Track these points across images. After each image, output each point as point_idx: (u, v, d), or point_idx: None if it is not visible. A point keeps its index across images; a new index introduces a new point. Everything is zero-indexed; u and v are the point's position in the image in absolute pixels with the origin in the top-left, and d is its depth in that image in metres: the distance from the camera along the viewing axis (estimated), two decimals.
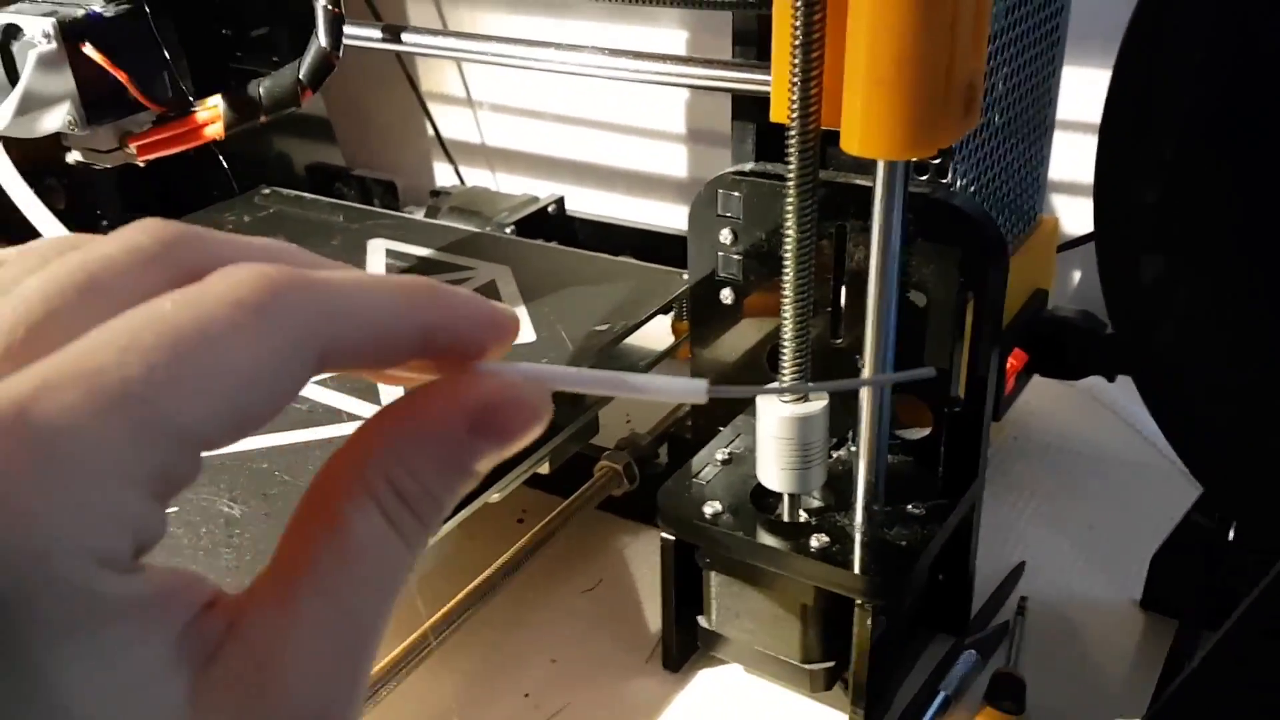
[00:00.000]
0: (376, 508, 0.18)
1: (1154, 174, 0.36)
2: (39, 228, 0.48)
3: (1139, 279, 0.41)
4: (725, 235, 0.52)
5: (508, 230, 0.78)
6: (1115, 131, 0.36)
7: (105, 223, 0.77)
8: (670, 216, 0.90)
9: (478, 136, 1.00)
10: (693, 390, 0.21)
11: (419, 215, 0.83)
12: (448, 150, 1.00)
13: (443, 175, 1.03)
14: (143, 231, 0.18)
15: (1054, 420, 0.68)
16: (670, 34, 0.85)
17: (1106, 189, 0.38)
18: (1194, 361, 0.41)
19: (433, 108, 0.99)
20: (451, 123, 1.00)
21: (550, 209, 0.84)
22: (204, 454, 0.17)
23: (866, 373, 0.45)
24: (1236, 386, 0.40)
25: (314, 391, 0.54)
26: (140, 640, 0.16)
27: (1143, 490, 0.62)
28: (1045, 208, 0.66)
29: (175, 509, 0.45)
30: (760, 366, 0.55)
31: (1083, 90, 0.63)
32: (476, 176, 1.02)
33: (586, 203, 0.93)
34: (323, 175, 0.90)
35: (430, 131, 1.00)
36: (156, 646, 0.16)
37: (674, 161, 0.92)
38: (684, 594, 0.52)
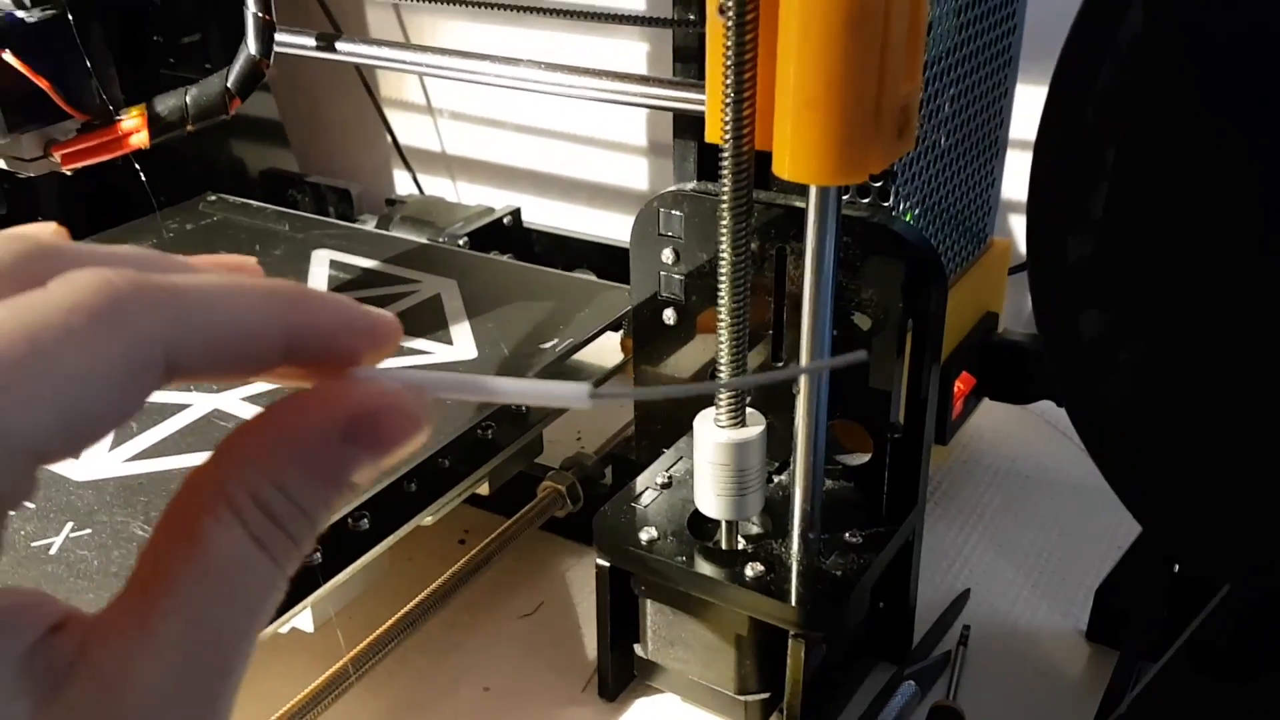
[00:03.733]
0: (240, 525, 0.17)
1: (1086, 230, 0.35)
2: None
3: (1078, 335, 0.40)
4: (667, 255, 0.51)
5: (461, 242, 0.77)
6: (1044, 188, 0.36)
7: None
8: (629, 229, 0.89)
9: (438, 145, 0.98)
10: (576, 395, 0.20)
11: (372, 224, 0.81)
12: (405, 158, 0.99)
13: (402, 183, 1.02)
14: (4, 242, 0.18)
15: (1004, 444, 0.67)
16: (631, 44, 0.84)
17: (1039, 244, 0.37)
18: (1137, 414, 0.41)
19: (391, 115, 0.98)
20: (410, 130, 0.98)
21: (506, 220, 0.83)
22: (41, 467, 0.16)
23: (801, 404, 0.44)
24: (1181, 437, 0.39)
25: (236, 407, 0.52)
26: None
27: (1092, 515, 0.61)
28: (998, 229, 0.65)
29: (88, 531, 0.44)
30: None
31: (1037, 110, 0.63)
32: (436, 185, 1.00)
33: (546, 214, 0.92)
34: (277, 181, 0.88)
35: (389, 139, 0.99)
36: None
37: (634, 174, 0.91)
38: (620, 621, 0.51)
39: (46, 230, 0.20)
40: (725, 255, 0.42)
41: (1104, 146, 0.33)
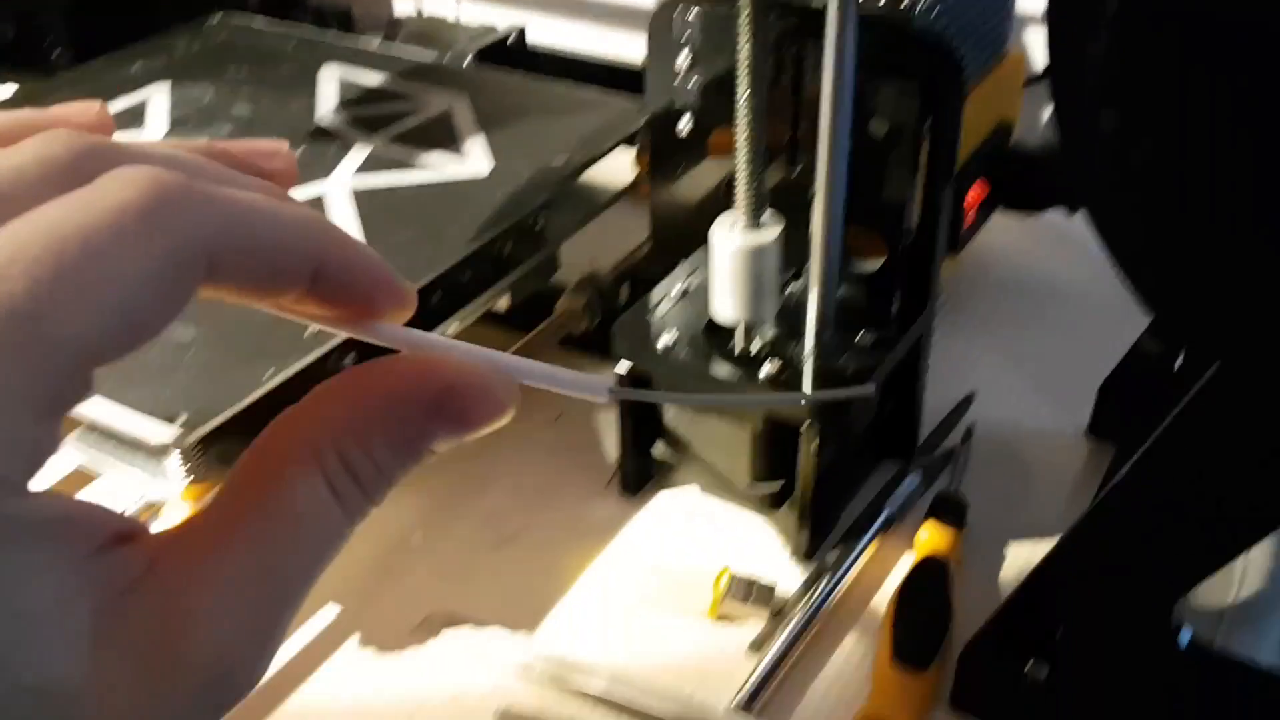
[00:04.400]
0: (321, 478, 0.18)
1: (1102, 25, 0.35)
2: None
3: (1096, 132, 0.40)
4: (682, 60, 0.51)
5: (465, 62, 0.76)
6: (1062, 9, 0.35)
7: (55, 53, 0.75)
8: (637, 48, 0.87)
9: None
10: (595, 388, 0.21)
11: (375, 43, 0.80)
12: None
13: (401, 4, 0.99)
14: (55, 142, 0.18)
15: (1014, 255, 0.68)
16: None
17: (1057, 40, 0.37)
18: (1151, 210, 0.41)
19: None
20: None
21: (510, 40, 0.82)
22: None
23: (819, 205, 0.45)
24: (1191, 230, 0.40)
25: None
26: (38, 564, 0.15)
27: (1097, 323, 0.63)
28: (1015, 41, 0.65)
29: None
30: (720, 201, 0.54)
31: None
32: (436, 5, 0.98)
33: (552, 33, 0.90)
34: (277, 4, 0.86)
35: None
36: (57, 572, 0.16)
37: None
38: (640, 423, 0.53)
39: (90, 111, 0.21)
40: (744, 51, 0.42)
41: None
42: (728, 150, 0.53)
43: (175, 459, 0.41)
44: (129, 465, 0.43)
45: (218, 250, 0.17)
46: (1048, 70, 0.39)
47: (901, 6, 0.50)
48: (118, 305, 0.16)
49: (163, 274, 0.16)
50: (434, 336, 0.21)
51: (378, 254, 0.20)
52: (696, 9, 0.49)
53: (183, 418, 0.41)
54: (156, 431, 0.40)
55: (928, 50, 0.45)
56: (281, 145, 0.21)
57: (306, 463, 0.18)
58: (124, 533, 0.17)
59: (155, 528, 0.45)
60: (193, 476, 0.42)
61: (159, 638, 0.16)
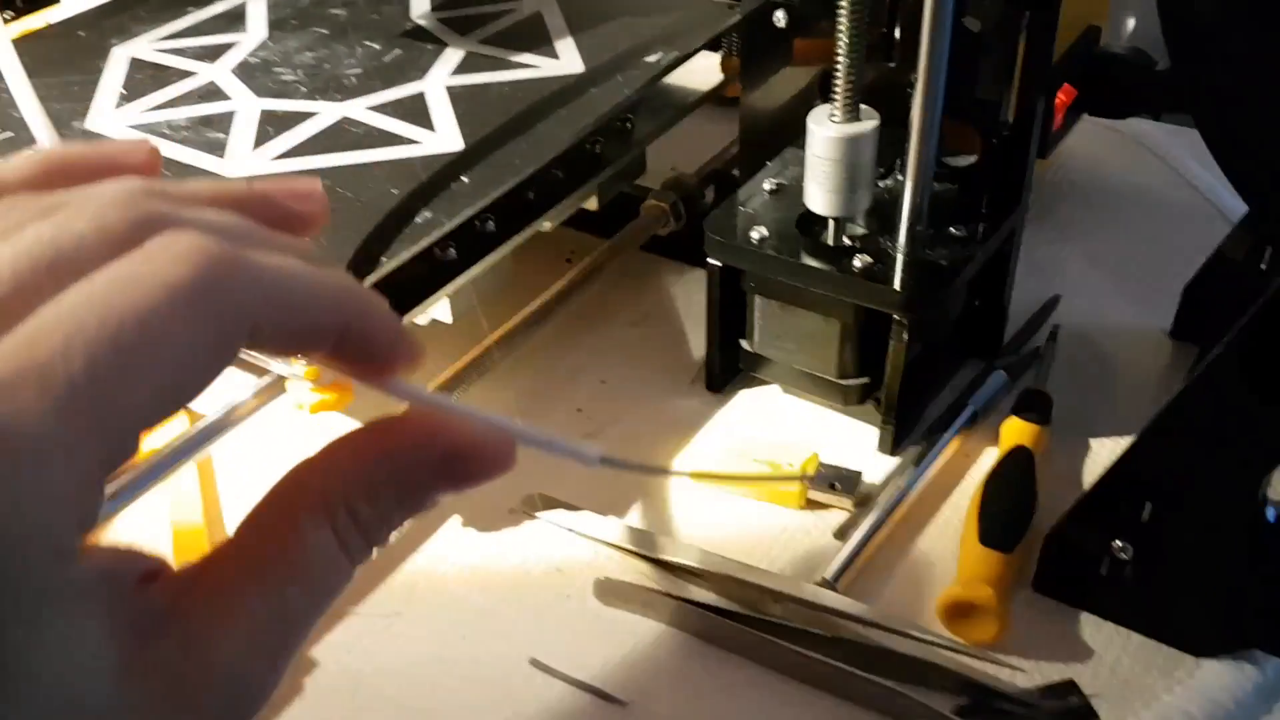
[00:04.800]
0: (331, 531, 0.20)
1: None
2: (31, 127, 0.47)
3: (1194, 19, 0.40)
4: None
5: None
6: None
7: None
8: None
9: None
10: (585, 456, 0.22)
11: None
12: None
13: None
14: (113, 209, 0.19)
15: (1099, 162, 0.68)
16: None
17: None
18: (1251, 94, 0.41)
19: None
20: None
21: None
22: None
23: (918, 98, 0.45)
24: None
25: (364, 115, 0.55)
26: (81, 625, 0.17)
27: (1181, 230, 0.63)
28: None
29: None
30: (808, 102, 0.55)
31: None
32: None
33: None
34: None
35: None
36: (96, 625, 0.17)
37: None
38: (727, 319, 0.55)
39: (141, 152, 0.22)
40: None
41: None
42: (817, 55, 0.54)
43: None
44: None
45: (259, 321, 0.18)
46: None
47: None
48: (168, 380, 0.17)
49: (210, 349, 0.18)
50: (439, 397, 0.23)
51: (394, 314, 0.22)
52: None
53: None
54: None
55: None
56: (315, 186, 0.23)
57: (318, 515, 0.20)
58: (151, 572, 0.19)
59: (281, 404, 0.47)
60: None
61: (180, 670, 0.18)
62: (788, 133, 0.56)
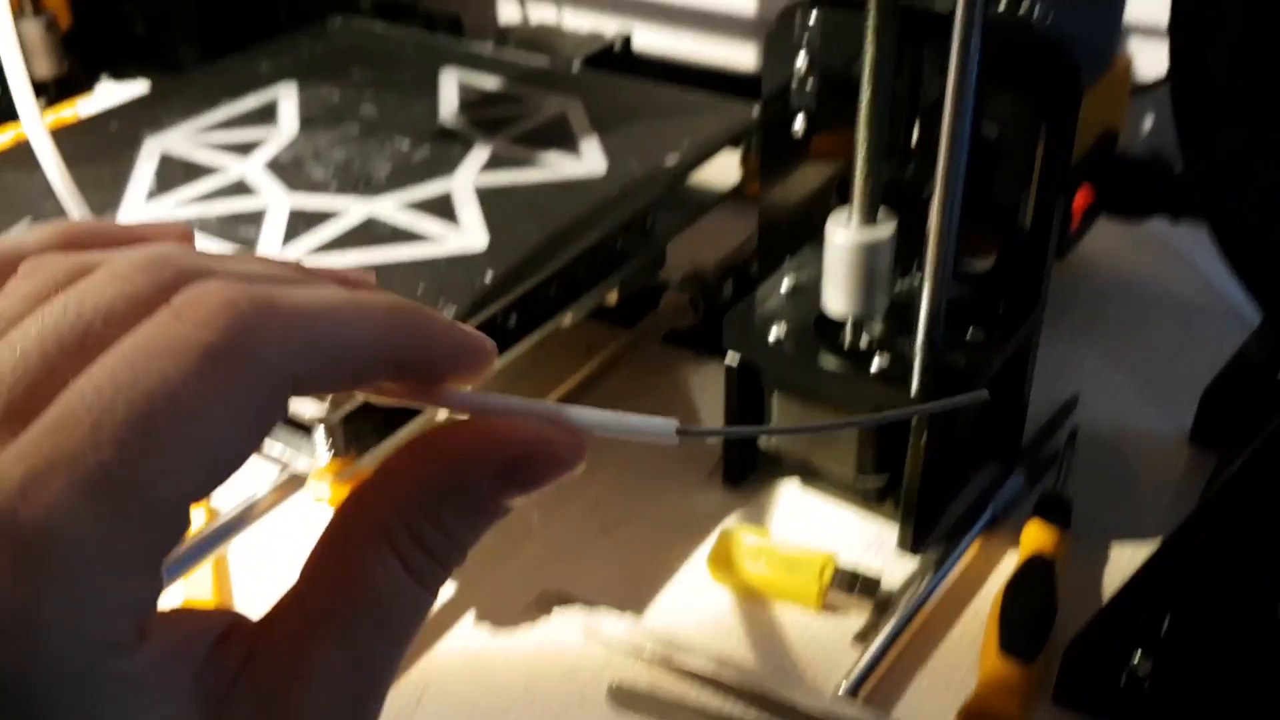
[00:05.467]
0: (397, 559, 0.18)
1: (1222, 43, 0.36)
2: (61, 198, 0.49)
3: (1216, 149, 0.41)
4: (800, 62, 0.52)
5: (574, 68, 0.79)
6: (1184, 6, 0.36)
7: (182, 47, 0.79)
8: (738, 55, 0.89)
9: None
10: (662, 431, 0.21)
11: (488, 48, 0.83)
12: None
13: (507, 10, 1.02)
14: (138, 274, 0.18)
15: (1118, 261, 0.69)
16: None
17: (1180, 58, 0.38)
18: (1270, 224, 0.42)
19: None
20: None
21: (616, 47, 0.84)
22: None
23: (936, 203, 0.46)
24: None
25: (392, 215, 0.56)
26: (153, 703, 0.16)
27: (1200, 330, 0.63)
28: (1121, 48, 0.65)
29: None
30: (826, 201, 0.56)
31: None
32: (541, 11, 1.01)
33: (653, 41, 0.92)
34: (389, 9, 0.90)
35: None
36: (163, 706, 0.16)
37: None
38: (745, 415, 0.55)
39: (174, 234, 0.21)
40: (869, 54, 0.44)
41: None
42: (836, 153, 0.55)
43: (320, 434, 0.44)
44: (273, 438, 0.45)
45: (301, 370, 0.17)
46: (1169, 84, 0.40)
47: (1020, 12, 0.51)
48: (209, 456, 0.16)
49: (250, 411, 0.17)
50: (501, 398, 0.21)
51: (456, 325, 0.20)
52: (815, 13, 0.50)
53: (329, 395, 0.43)
54: (305, 407, 0.43)
55: (1047, 55, 0.45)
56: (369, 276, 0.22)
57: (380, 543, 0.18)
58: (224, 632, 0.18)
59: (297, 500, 0.47)
60: (334, 451, 0.44)
61: None
62: (806, 230, 0.57)
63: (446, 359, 0.20)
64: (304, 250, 0.53)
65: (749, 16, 0.90)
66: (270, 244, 0.53)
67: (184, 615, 0.18)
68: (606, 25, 0.95)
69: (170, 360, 0.16)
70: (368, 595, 0.18)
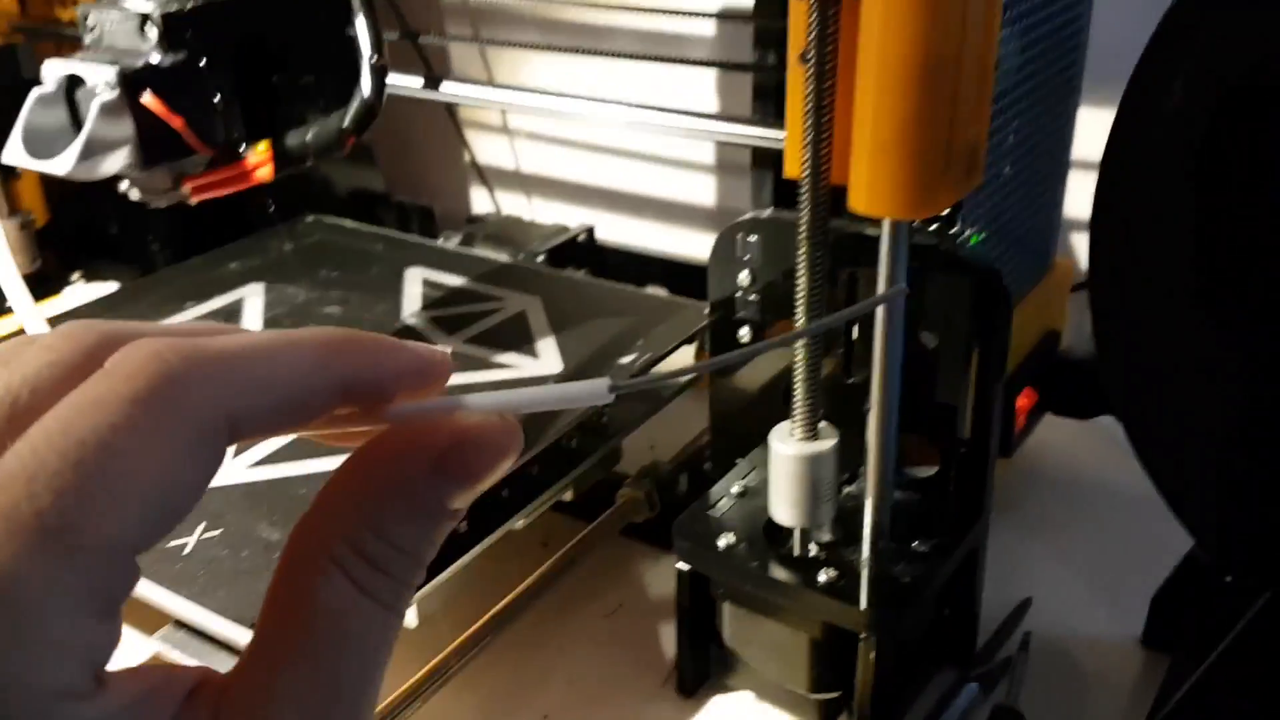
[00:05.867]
0: (344, 578, 0.18)
1: (1145, 263, 0.38)
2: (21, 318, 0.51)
3: (1138, 362, 0.43)
4: (743, 277, 0.54)
5: (539, 259, 0.81)
6: (1104, 223, 0.38)
7: (155, 246, 0.81)
8: (699, 246, 0.92)
9: (513, 163, 1.03)
10: (596, 392, 0.20)
11: (455, 242, 0.86)
12: (484, 176, 1.03)
13: (479, 200, 1.06)
14: (62, 341, 0.18)
15: (1066, 457, 0.70)
16: (707, 72, 0.88)
17: (1100, 277, 0.40)
18: (1191, 438, 0.43)
19: (470, 135, 1.02)
20: (488, 149, 1.03)
21: (580, 238, 0.87)
22: (138, 556, 0.17)
23: (873, 418, 0.47)
24: (1231, 461, 0.42)
25: None
26: None
27: (1151, 527, 0.63)
28: (1062, 249, 0.68)
29: (219, 531, 0.48)
30: (776, 400, 0.57)
31: (1102, 133, 0.65)
32: (512, 201, 1.05)
33: (619, 230, 0.96)
34: (364, 200, 0.93)
35: (467, 158, 1.03)
36: None
37: (704, 192, 0.94)
38: (698, 621, 0.54)
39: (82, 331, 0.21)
40: (803, 281, 0.45)
41: (1160, 187, 0.36)
42: (784, 349, 0.56)
43: None
44: (214, 664, 0.45)
45: (236, 411, 0.17)
46: (1090, 306, 0.41)
47: (952, 231, 0.53)
48: (147, 498, 0.16)
49: (185, 455, 0.17)
50: (437, 400, 0.20)
51: (400, 343, 0.20)
52: (755, 235, 0.53)
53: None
54: (243, 634, 0.43)
55: (976, 279, 0.47)
56: (439, 359, 0.21)
57: (325, 566, 0.18)
58: (192, 687, 0.18)
59: None
60: None
61: None
62: (757, 429, 0.58)
63: (397, 376, 0.20)
64: (254, 460, 0.53)
65: (709, 208, 0.94)
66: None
67: (150, 670, 0.18)
68: (574, 215, 0.99)
69: (100, 412, 0.16)
70: (323, 619, 0.18)
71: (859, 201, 0.41)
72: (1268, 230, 0.37)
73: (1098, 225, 0.40)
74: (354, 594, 0.18)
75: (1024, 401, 0.61)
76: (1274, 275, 0.38)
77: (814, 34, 0.40)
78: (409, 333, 0.65)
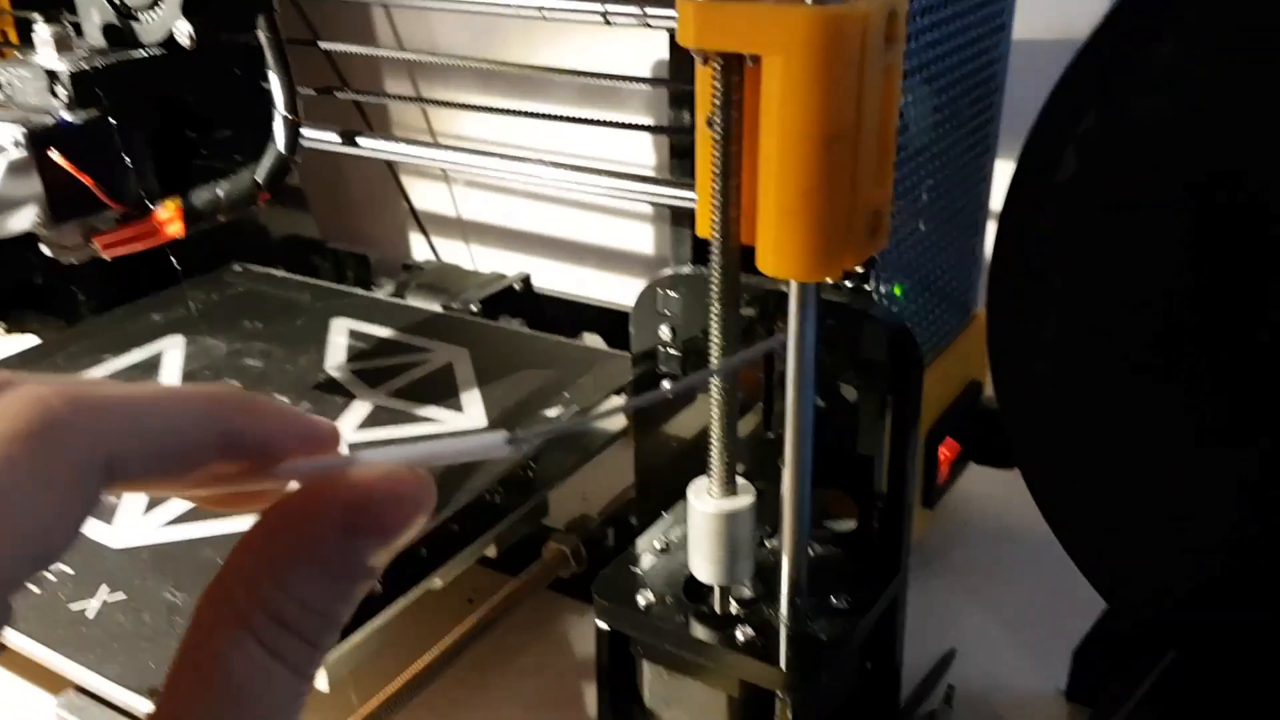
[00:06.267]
0: (255, 642, 0.17)
1: (1042, 352, 0.39)
2: None
3: (1047, 445, 0.43)
4: (664, 332, 0.55)
5: (474, 308, 0.81)
6: (1000, 318, 0.39)
7: (81, 298, 0.80)
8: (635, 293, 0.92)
9: (452, 210, 1.03)
10: (494, 444, 0.20)
11: (389, 289, 0.85)
12: (422, 224, 1.03)
13: (418, 246, 1.06)
14: None
15: (990, 507, 0.70)
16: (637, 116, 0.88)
17: (1002, 368, 0.40)
18: (1097, 514, 0.44)
19: (408, 183, 1.02)
20: (426, 197, 1.03)
21: (517, 286, 0.87)
22: (11, 596, 0.16)
23: (787, 474, 0.47)
24: (1136, 535, 0.42)
25: None
26: None
27: (1074, 577, 0.63)
28: (982, 302, 0.68)
29: (122, 595, 0.47)
30: (701, 454, 0.57)
31: None
32: (451, 249, 1.04)
33: (556, 277, 0.95)
34: (298, 247, 0.92)
35: (405, 205, 1.03)
36: None
37: (641, 240, 0.94)
38: (619, 681, 0.54)
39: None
40: (716, 336, 0.46)
41: (1051, 279, 0.37)
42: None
43: None
44: None
45: (114, 452, 0.17)
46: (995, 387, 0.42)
47: (867, 286, 0.53)
48: (21, 536, 0.16)
49: (60, 494, 0.17)
50: (330, 457, 0.20)
51: (289, 409, 0.20)
52: (674, 292, 0.53)
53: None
54: (143, 704, 0.41)
55: (885, 337, 0.48)
56: (324, 428, 0.21)
57: (234, 629, 0.17)
58: None
59: None
60: None
61: None
62: (684, 480, 0.57)
63: (281, 436, 0.19)
64: (165, 520, 0.52)
65: (646, 254, 0.94)
66: (133, 511, 0.53)
67: None
68: (513, 262, 0.99)
69: None
70: (228, 686, 0.17)
71: (766, 264, 0.41)
72: (1154, 302, 0.38)
73: (995, 280, 0.41)
74: (263, 658, 0.17)
75: (946, 452, 0.62)
76: (1174, 321, 0.39)
77: (719, 100, 0.40)
78: (331, 385, 0.65)
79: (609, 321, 0.83)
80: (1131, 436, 0.40)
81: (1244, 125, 0.34)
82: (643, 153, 0.86)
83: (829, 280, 0.49)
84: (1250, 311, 0.35)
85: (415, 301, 0.80)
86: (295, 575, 0.18)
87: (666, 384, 0.56)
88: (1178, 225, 0.34)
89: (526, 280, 0.88)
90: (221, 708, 0.17)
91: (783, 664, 0.47)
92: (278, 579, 0.18)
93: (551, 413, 0.62)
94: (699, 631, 0.49)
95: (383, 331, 0.71)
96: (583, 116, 0.58)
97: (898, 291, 0.57)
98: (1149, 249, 0.35)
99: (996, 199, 0.65)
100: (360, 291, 0.80)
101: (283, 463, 0.20)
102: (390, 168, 1.01)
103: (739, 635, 0.48)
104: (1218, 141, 0.34)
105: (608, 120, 0.54)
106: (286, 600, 0.18)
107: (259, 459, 0.20)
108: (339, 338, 0.70)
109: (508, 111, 0.59)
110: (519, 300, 0.87)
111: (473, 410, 0.62)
